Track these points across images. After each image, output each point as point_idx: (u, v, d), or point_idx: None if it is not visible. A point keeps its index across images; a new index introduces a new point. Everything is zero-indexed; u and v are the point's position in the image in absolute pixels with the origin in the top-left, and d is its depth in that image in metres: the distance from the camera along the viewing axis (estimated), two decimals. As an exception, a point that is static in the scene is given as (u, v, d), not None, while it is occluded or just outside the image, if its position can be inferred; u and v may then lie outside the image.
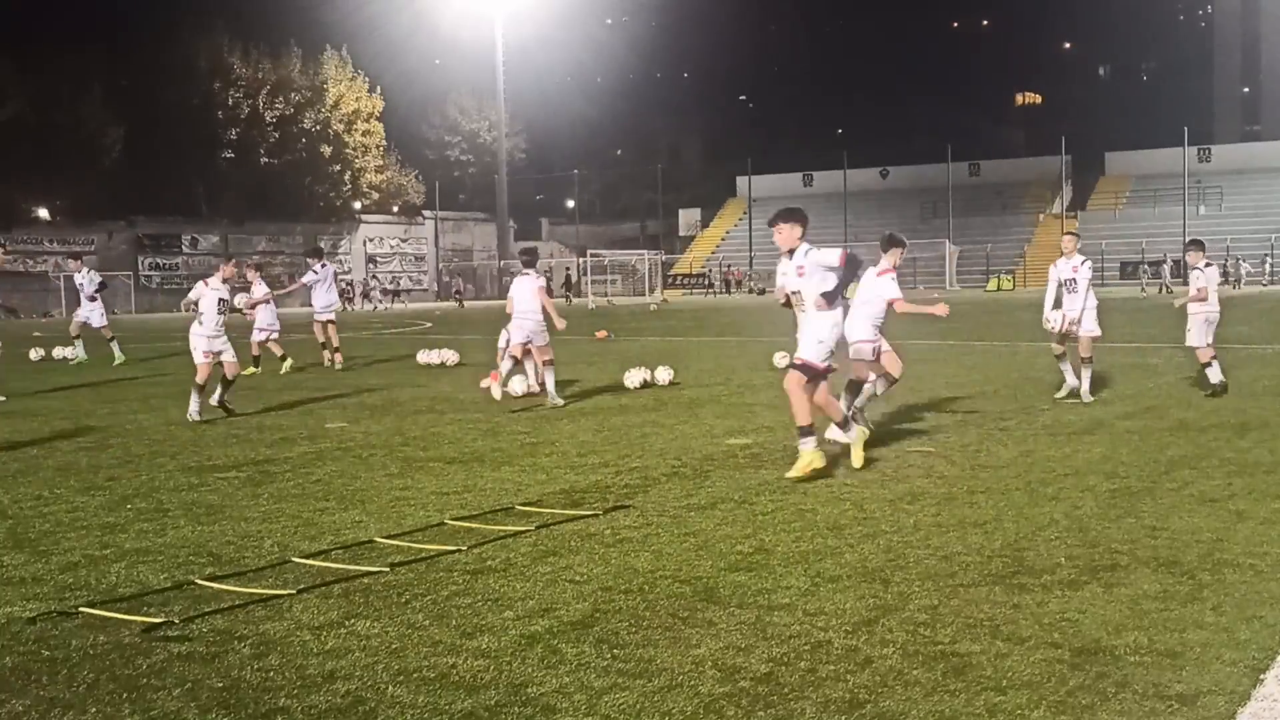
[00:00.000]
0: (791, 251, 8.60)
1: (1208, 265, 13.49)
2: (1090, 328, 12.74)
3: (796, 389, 8.42)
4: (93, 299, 22.29)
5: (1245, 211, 74.04)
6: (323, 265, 20.89)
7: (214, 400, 12.72)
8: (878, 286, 10.48)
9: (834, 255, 8.48)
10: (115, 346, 21.77)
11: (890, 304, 10.44)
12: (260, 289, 19.71)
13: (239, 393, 15.73)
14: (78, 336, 22.11)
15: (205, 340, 12.55)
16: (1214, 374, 13.07)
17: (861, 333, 10.30)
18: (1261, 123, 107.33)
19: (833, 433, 9.83)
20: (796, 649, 4.71)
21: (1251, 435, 10.01)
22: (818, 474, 8.27)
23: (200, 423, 12.18)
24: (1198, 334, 13.32)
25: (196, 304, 12.67)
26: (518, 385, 13.99)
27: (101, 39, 66.14)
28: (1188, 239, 14.78)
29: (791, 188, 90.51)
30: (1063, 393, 12.76)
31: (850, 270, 8.54)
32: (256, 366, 19.16)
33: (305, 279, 20.76)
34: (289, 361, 19.18)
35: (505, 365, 13.53)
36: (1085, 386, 12.68)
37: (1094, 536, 6.48)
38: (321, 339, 20.22)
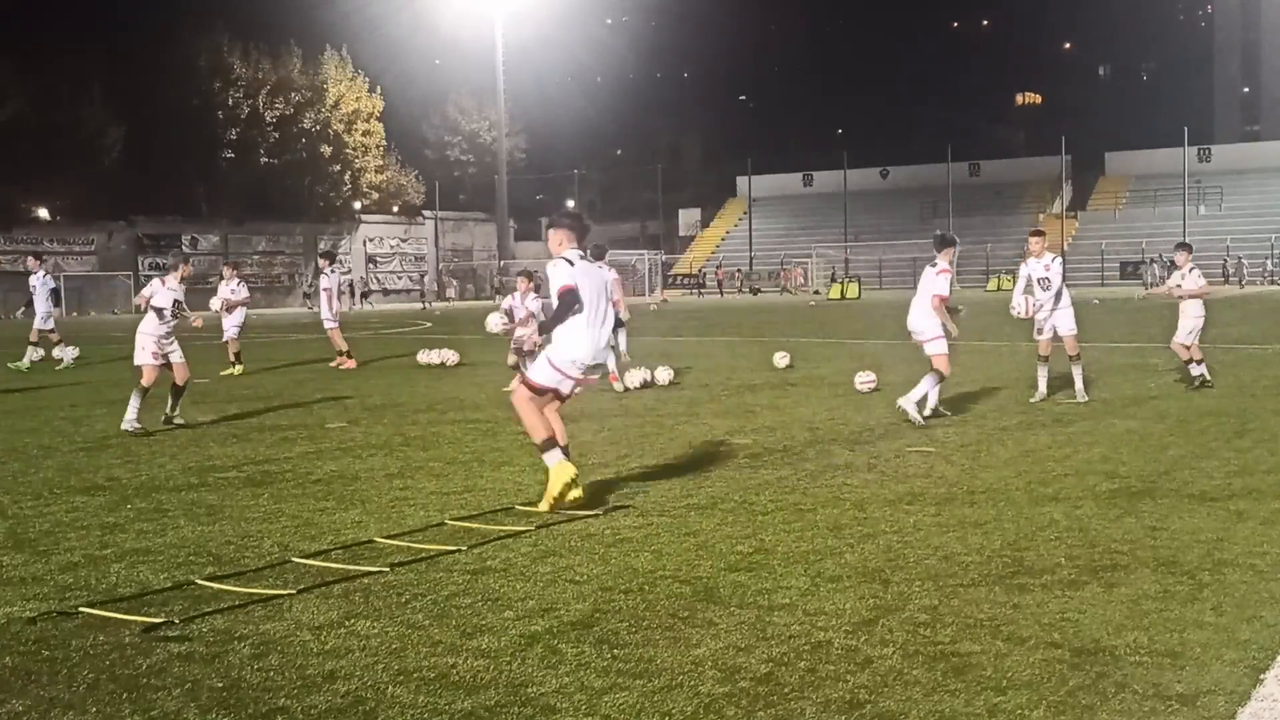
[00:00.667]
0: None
1: (1192, 269, 14.18)
2: (1070, 327, 12.94)
3: (523, 404, 7.55)
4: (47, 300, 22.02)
5: (1245, 211, 74.05)
6: (331, 270, 20.80)
7: (164, 417, 11.94)
8: (934, 283, 11.39)
9: (557, 280, 7.52)
10: (32, 353, 21.24)
11: (935, 298, 11.30)
12: (242, 291, 19.54)
13: (241, 393, 15.75)
14: (59, 340, 21.90)
15: (154, 341, 11.71)
16: (1202, 369, 13.66)
17: (919, 324, 11.47)
18: (1261, 123, 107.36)
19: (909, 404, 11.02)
20: (796, 649, 4.71)
21: (1251, 435, 10.01)
22: (570, 487, 7.32)
23: (137, 434, 11.30)
24: (1195, 332, 13.77)
25: (149, 301, 11.90)
26: (634, 378, 14.88)
27: (101, 39, 66.09)
28: (1177, 242, 15.31)
29: (791, 188, 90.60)
30: (1036, 398, 12.75)
31: (563, 307, 7.45)
32: (239, 363, 19.03)
33: (329, 284, 20.54)
34: (240, 368, 18.98)
35: (612, 361, 14.46)
36: (1079, 385, 12.80)
37: (1094, 536, 6.48)
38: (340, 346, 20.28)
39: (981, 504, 7.42)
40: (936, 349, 11.38)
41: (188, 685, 4.45)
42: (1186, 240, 14.90)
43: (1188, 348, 13.74)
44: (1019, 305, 12.87)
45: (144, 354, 11.72)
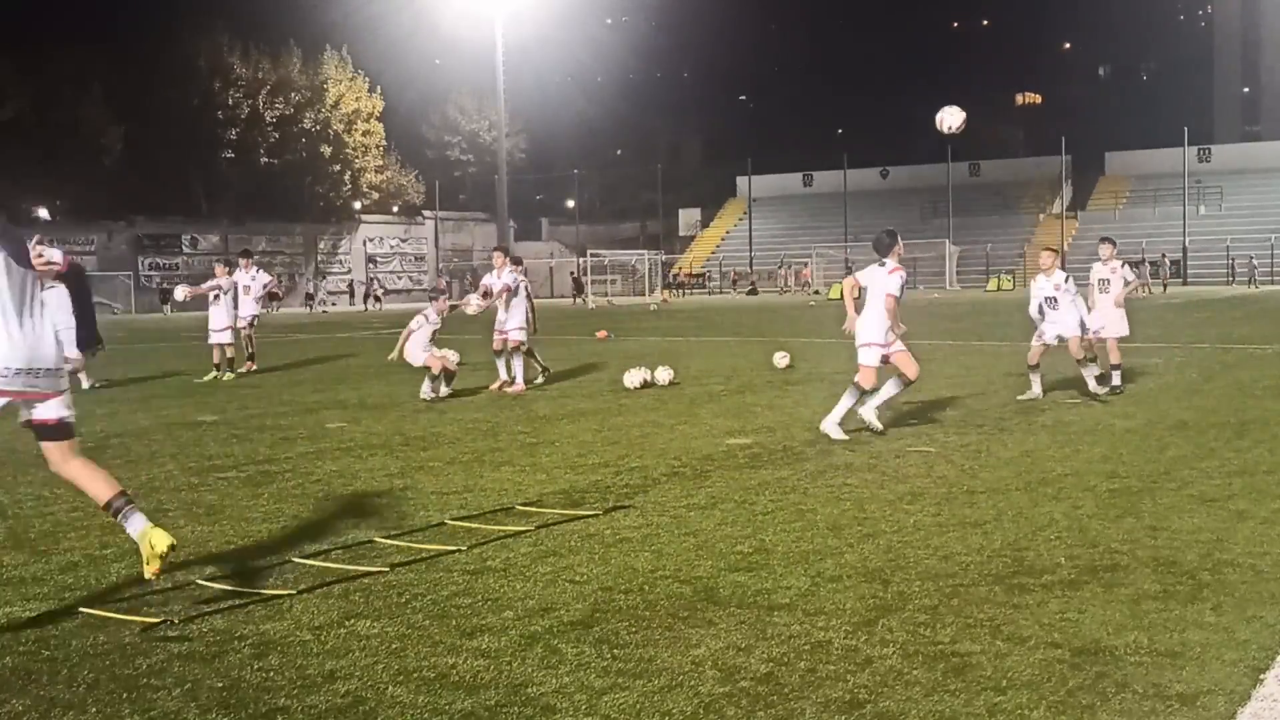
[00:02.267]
0: None
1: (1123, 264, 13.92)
2: (1074, 329, 12.67)
3: (62, 462, 5.51)
4: None
5: (1245, 211, 74.05)
6: (254, 269, 19.99)
7: (442, 391, 14.30)
8: (886, 283, 10.36)
9: None
10: None
11: (888, 298, 10.27)
12: (212, 282, 18.72)
13: (241, 393, 15.78)
14: None
15: (423, 349, 14.34)
16: (1116, 377, 13.14)
17: (872, 334, 10.40)
18: (1261, 123, 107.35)
19: (868, 414, 10.34)
20: (796, 649, 4.71)
21: (1251, 435, 10.01)
22: (170, 553, 5.44)
23: (431, 401, 13.91)
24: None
25: (414, 332, 14.40)
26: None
27: (101, 39, 66.17)
28: (1101, 236, 14.72)
29: (791, 188, 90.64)
30: (1027, 396, 12.71)
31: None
32: (220, 371, 18.16)
33: (247, 282, 19.53)
34: (221, 375, 18.05)
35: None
36: (1092, 385, 12.59)
37: (1094, 536, 6.48)
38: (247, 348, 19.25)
39: (981, 504, 7.42)
40: (864, 358, 10.41)
41: (188, 685, 4.45)
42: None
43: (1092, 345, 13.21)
44: (1047, 334, 12.81)
45: (417, 360, 14.36)
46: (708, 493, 7.98)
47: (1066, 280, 12.79)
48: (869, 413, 10.40)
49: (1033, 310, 12.99)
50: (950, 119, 11.88)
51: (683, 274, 79.84)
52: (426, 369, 14.35)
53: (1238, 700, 4.10)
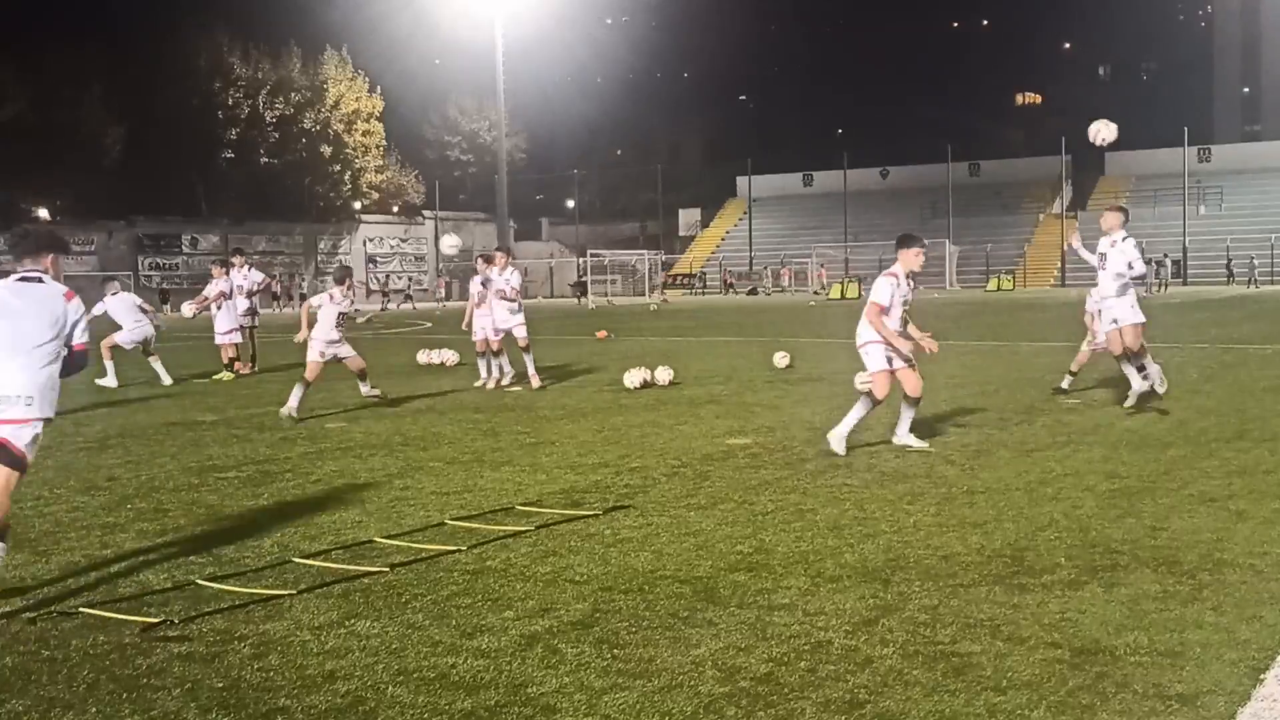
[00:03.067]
0: None
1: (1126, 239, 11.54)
2: (1130, 318, 11.23)
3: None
4: None
5: (1245, 211, 74.05)
6: (246, 268, 19.70)
7: (365, 392, 13.51)
8: (874, 288, 9.61)
9: None
10: None
11: (872, 306, 9.42)
12: (215, 287, 18.48)
13: (241, 393, 15.77)
14: None
15: (322, 343, 13.06)
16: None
17: (869, 333, 9.58)
18: (1261, 123, 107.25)
19: (904, 438, 9.64)
20: (796, 649, 4.71)
21: (1251, 435, 10.00)
22: None
23: (293, 421, 12.33)
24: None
25: (317, 310, 13.33)
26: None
27: (101, 39, 66.15)
28: (1114, 205, 12.21)
29: (791, 187, 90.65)
30: (1154, 385, 11.30)
31: None
32: (231, 370, 18.27)
33: (241, 282, 19.15)
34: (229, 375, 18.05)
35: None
36: (1135, 383, 11.32)
37: (1094, 536, 6.48)
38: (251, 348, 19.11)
39: (981, 504, 7.42)
40: (869, 361, 9.64)
41: (188, 685, 4.45)
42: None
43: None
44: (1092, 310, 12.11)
45: (312, 353, 13.02)
46: (708, 493, 7.98)
47: (1124, 240, 11.20)
48: (906, 437, 9.68)
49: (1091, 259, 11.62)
50: (1106, 132, 11.47)
51: (665, 275, 79.51)
52: (319, 374, 13.04)
53: (1238, 700, 4.10)
